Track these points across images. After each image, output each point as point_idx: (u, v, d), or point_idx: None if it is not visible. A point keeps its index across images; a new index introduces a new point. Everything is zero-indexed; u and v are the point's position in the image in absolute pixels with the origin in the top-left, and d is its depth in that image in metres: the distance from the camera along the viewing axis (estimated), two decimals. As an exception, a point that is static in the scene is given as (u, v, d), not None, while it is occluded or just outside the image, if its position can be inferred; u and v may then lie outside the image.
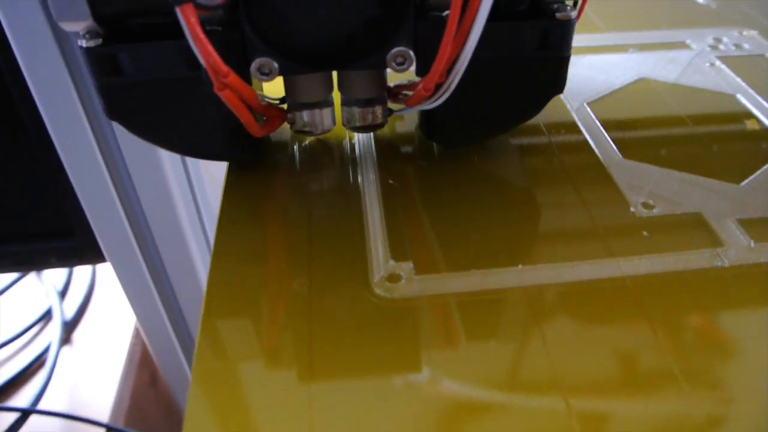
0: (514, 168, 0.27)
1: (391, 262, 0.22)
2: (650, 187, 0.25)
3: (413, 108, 0.24)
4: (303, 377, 0.19)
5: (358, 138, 0.29)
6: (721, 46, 0.36)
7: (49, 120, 0.35)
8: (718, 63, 0.34)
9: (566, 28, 0.23)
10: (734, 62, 0.34)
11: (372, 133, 0.29)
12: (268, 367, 0.19)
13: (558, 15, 0.23)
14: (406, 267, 0.22)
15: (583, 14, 0.39)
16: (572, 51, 0.35)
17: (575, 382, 0.18)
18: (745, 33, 0.37)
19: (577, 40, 0.36)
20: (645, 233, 0.23)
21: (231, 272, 0.22)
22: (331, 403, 0.18)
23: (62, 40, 0.32)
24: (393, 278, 0.22)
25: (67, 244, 0.42)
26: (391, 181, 0.26)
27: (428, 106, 0.23)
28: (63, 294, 0.54)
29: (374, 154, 0.28)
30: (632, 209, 0.24)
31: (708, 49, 0.36)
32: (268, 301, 0.21)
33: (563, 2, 0.23)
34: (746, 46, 0.36)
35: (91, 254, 0.42)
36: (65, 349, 0.50)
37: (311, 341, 0.19)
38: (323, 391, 0.18)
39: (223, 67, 0.20)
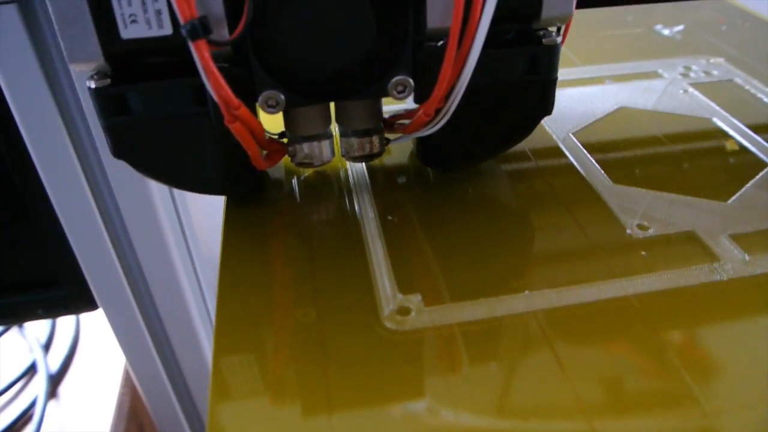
0: (510, 196, 0.28)
1: (399, 296, 0.22)
2: (643, 210, 0.26)
3: (412, 135, 0.25)
4: (320, 411, 0.19)
5: (352, 169, 0.30)
6: (692, 74, 0.38)
7: (41, 167, 0.35)
8: (690, 89, 0.36)
9: (553, 53, 0.25)
10: (705, 88, 0.36)
11: (365, 164, 0.30)
12: (282, 401, 0.19)
13: (545, 41, 0.24)
14: (414, 299, 0.22)
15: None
16: (552, 85, 0.36)
17: (595, 403, 0.18)
18: (712, 60, 0.39)
19: (556, 74, 0.38)
20: (643, 253, 0.24)
21: (237, 310, 0.22)
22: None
23: (51, 79, 0.32)
24: (403, 311, 0.22)
25: (53, 294, 0.42)
26: (390, 217, 0.26)
27: (427, 131, 0.24)
28: (47, 347, 0.53)
29: (368, 183, 0.29)
30: (628, 231, 0.25)
31: (679, 77, 0.37)
32: (276, 337, 0.21)
33: (548, 29, 0.24)
34: (715, 72, 0.38)
35: (79, 303, 0.42)
36: (52, 403, 0.49)
37: (327, 379, 0.19)
38: (343, 423, 0.18)
39: (234, 100, 0.21)
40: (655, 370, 0.20)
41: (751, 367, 0.20)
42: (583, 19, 0.47)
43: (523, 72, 0.25)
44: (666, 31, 0.44)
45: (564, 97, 0.35)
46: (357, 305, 0.22)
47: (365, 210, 0.27)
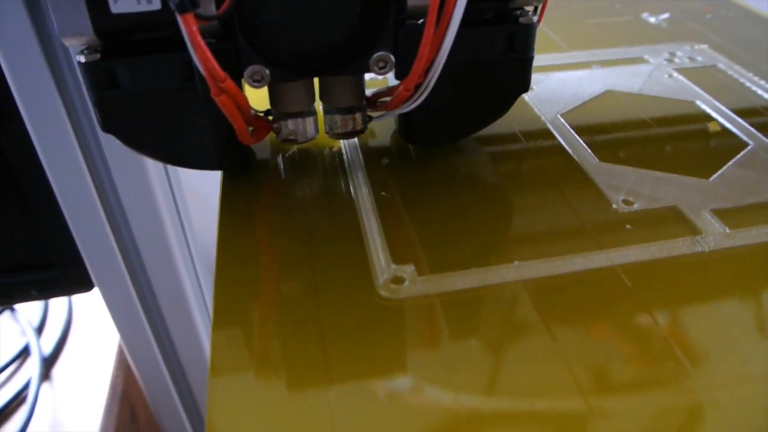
0: (500, 174, 0.29)
1: (393, 266, 0.23)
2: (628, 186, 0.27)
3: (393, 111, 0.26)
4: (321, 382, 0.19)
5: (345, 145, 0.31)
6: (677, 59, 0.38)
7: (40, 146, 0.35)
8: (675, 74, 0.36)
9: (529, 32, 0.25)
10: (690, 73, 0.37)
11: (356, 140, 0.31)
12: (282, 374, 0.20)
13: (521, 20, 0.25)
14: (407, 269, 0.23)
15: (546, 37, 0.42)
16: (541, 69, 0.37)
17: (587, 375, 0.19)
18: (696, 47, 0.40)
19: (545, 59, 0.39)
20: (628, 226, 0.25)
21: (235, 283, 0.23)
22: (353, 405, 0.18)
23: (51, 60, 0.32)
24: (397, 280, 0.22)
25: (48, 275, 0.42)
26: (383, 193, 0.27)
27: (408, 107, 0.25)
28: (40, 330, 0.53)
29: (362, 160, 0.30)
30: (614, 206, 0.26)
31: (665, 62, 0.38)
32: (272, 311, 0.22)
33: (525, 9, 0.25)
34: (699, 58, 0.39)
35: (74, 284, 0.42)
36: (45, 385, 0.49)
37: (325, 349, 0.20)
38: (344, 394, 0.19)
39: (221, 73, 0.21)
40: (640, 340, 0.20)
41: (732, 335, 0.21)
42: (572, 6, 0.48)
43: (500, 50, 0.26)
44: (652, 19, 0.45)
45: (552, 80, 0.36)
46: (353, 275, 0.23)
47: (359, 186, 0.27)
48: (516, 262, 0.23)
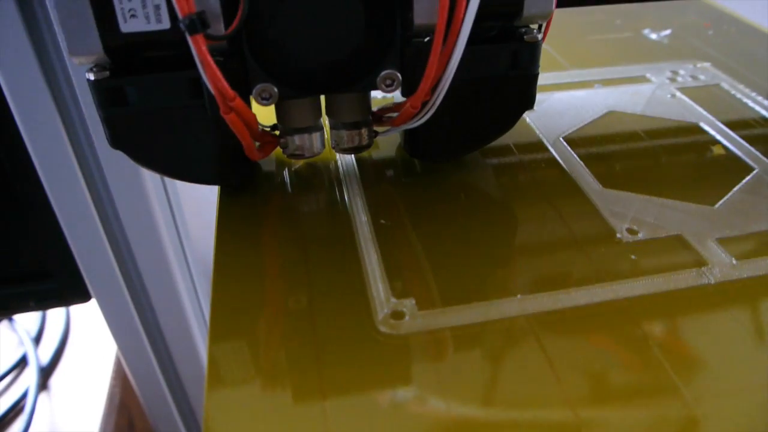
0: (502, 199, 0.28)
1: (393, 300, 0.23)
2: (632, 214, 0.27)
3: (400, 127, 0.26)
4: (316, 399, 0.19)
5: (341, 161, 0.30)
6: (679, 78, 0.38)
7: (37, 157, 0.35)
8: (678, 94, 0.36)
9: (534, 49, 0.26)
10: (693, 92, 0.36)
11: (354, 156, 0.31)
12: (280, 389, 0.20)
13: (526, 38, 0.25)
14: (408, 303, 0.22)
15: (547, 54, 0.42)
16: (543, 89, 0.37)
17: (584, 401, 0.19)
18: (699, 65, 0.40)
19: (546, 77, 0.38)
20: (633, 257, 0.24)
21: (231, 300, 0.23)
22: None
23: (48, 73, 0.32)
24: (397, 315, 0.22)
25: (46, 286, 0.42)
26: (383, 221, 0.26)
27: (414, 124, 0.25)
28: (37, 340, 0.53)
29: (358, 175, 0.30)
30: (618, 235, 0.25)
31: (667, 81, 0.38)
32: (272, 327, 0.22)
33: (530, 27, 0.25)
34: (702, 77, 0.38)
35: (72, 294, 0.42)
36: (43, 395, 0.49)
37: (322, 383, 0.19)
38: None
39: (230, 92, 0.21)
40: (644, 373, 0.20)
41: (737, 369, 0.20)
42: (572, 23, 0.47)
43: (505, 67, 0.26)
44: (653, 36, 0.45)
45: (554, 100, 0.36)
46: (352, 309, 0.22)
47: (358, 213, 0.27)
48: (519, 296, 0.23)
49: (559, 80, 0.38)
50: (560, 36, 0.45)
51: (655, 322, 0.22)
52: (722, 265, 0.24)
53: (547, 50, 0.42)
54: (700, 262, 0.24)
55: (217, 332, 0.22)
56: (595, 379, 0.20)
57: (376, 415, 0.19)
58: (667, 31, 0.45)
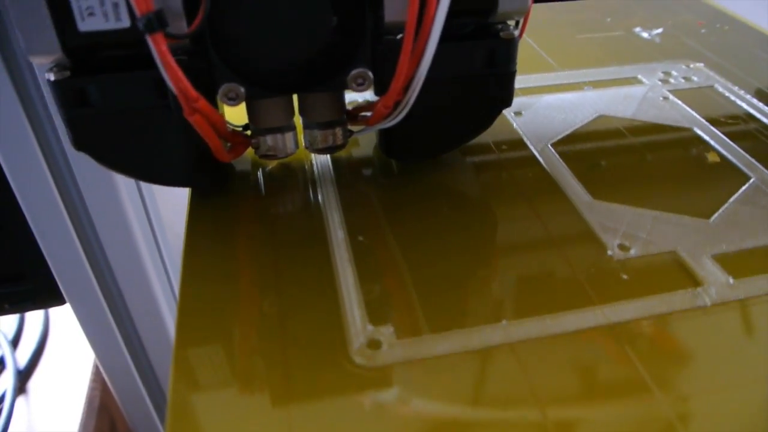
0: (486, 211, 0.27)
1: (369, 327, 0.21)
2: (623, 228, 0.25)
3: (374, 127, 0.25)
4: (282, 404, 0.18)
5: (316, 161, 0.30)
6: (671, 80, 0.37)
7: (5, 160, 0.34)
8: (671, 96, 0.35)
9: (510, 47, 0.25)
10: (685, 95, 0.35)
11: (329, 156, 0.30)
12: (246, 396, 0.19)
13: (502, 34, 0.24)
14: (386, 331, 0.21)
15: (536, 54, 0.40)
16: (531, 91, 0.35)
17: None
18: (692, 66, 0.38)
19: (533, 79, 0.37)
20: (624, 276, 0.23)
21: (199, 303, 0.22)
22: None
23: (13, 72, 0.31)
24: (373, 344, 0.20)
25: (20, 288, 0.41)
26: (360, 238, 0.25)
27: (388, 124, 0.24)
28: (15, 342, 0.52)
29: (333, 175, 0.29)
30: (609, 252, 0.24)
31: (659, 83, 0.36)
32: (246, 332, 0.21)
33: (506, 23, 0.25)
34: (695, 78, 0.37)
35: (46, 297, 0.41)
36: (20, 399, 0.48)
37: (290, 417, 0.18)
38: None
39: (193, 93, 0.21)
40: (635, 401, 0.19)
41: (732, 397, 0.19)
42: (561, 21, 0.46)
43: (481, 65, 0.25)
44: (645, 34, 0.43)
45: (542, 104, 0.34)
46: (325, 337, 0.21)
47: (332, 220, 0.26)
48: (504, 321, 0.21)
49: (548, 82, 0.37)
50: (549, 35, 0.43)
51: (647, 349, 0.20)
52: (718, 284, 0.23)
53: (535, 50, 0.41)
54: (695, 282, 0.23)
55: (184, 337, 0.21)
56: (581, 408, 0.19)
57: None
58: (659, 30, 0.44)
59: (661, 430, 0.18)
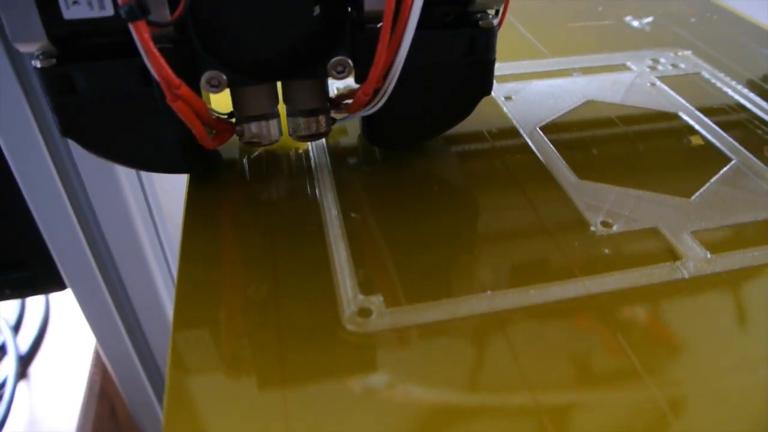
0: (474, 190, 0.28)
1: (360, 297, 0.22)
2: (607, 206, 0.26)
3: (355, 115, 0.25)
4: (278, 386, 0.19)
5: (311, 147, 0.30)
6: (659, 67, 0.38)
7: (6, 144, 0.34)
8: (658, 83, 0.36)
9: (490, 35, 0.25)
10: (673, 81, 0.36)
11: (325, 142, 0.30)
12: (243, 378, 0.19)
13: (481, 23, 0.25)
14: (376, 300, 0.22)
15: (527, 41, 0.41)
16: (521, 77, 0.36)
17: (553, 405, 0.18)
18: (680, 53, 0.39)
19: (523, 66, 0.38)
20: (606, 251, 0.24)
21: (197, 286, 0.23)
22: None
23: (15, 59, 0.32)
24: (364, 313, 0.21)
25: (21, 274, 0.41)
26: (353, 215, 0.26)
27: (368, 111, 0.25)
28: (16, 328, 0.52)
29: (329, 163, 0.29)
30: (592, 228, 0.25)
31: (647, 70, 0.37)
32: (235, 317, 0.21)
33: (486, 12, 0.25)
34: (682, 65, 0.38)
35: (47, 283, 0.41)
36: (22, 384, 0.48)
37: (285, 386, 0.19)
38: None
39: (175, 79, 0.21)
40: (615, 370, 0.20)
41: (710, 367, 0.20)
42: (553, 9, 0.47)
43: (460, 53, 0.25)
44: (635, 23, 0.44)
45: (532, 89, 0.35)
46: (318, 306, 0.22)
47: (327, 203, 0.26)
48: (489, 292, 0.22)
49: (538, 68, 0.37)
50: (540, 23, 0.44)
51: (626, 319, 0.21)
52: (697, 259, 0.24)
53: (526, 37, 0.41)
54: (674, 256, 0.24)
55: (181, 320, 0.21)
56: (564, 378, 0.19)
57: (340, 405, 0.18)
58: (650, 19, 0.45)
59: (642, 401, 0.19)
